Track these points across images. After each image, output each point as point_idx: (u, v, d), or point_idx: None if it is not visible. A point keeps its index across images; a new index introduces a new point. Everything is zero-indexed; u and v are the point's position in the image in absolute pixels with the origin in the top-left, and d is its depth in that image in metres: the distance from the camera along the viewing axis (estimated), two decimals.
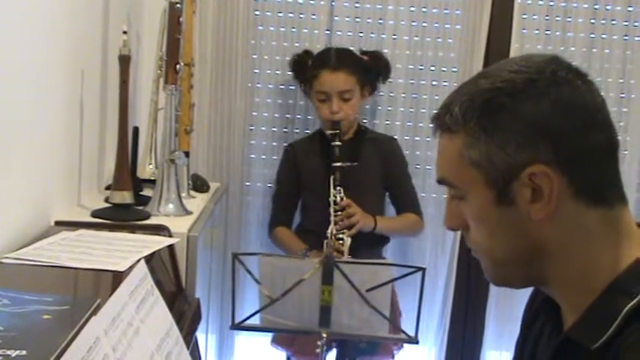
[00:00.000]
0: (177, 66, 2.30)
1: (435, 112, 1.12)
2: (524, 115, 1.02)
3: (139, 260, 1.46)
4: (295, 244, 2.80)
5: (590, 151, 1.03)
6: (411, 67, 3.07)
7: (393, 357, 2.75)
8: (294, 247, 2.78)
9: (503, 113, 1.03)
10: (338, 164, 2.69)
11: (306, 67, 2.84)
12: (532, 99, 1.02)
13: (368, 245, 2.73)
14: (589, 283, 1.04)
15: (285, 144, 3.03)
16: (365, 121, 3.06)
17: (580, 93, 1.04)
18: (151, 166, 2.62)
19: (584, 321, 1.04)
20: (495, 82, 1.05)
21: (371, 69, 2.84)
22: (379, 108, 3.10)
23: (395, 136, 3.00)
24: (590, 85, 1.06)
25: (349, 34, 3.05)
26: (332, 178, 2.68)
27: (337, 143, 2.71)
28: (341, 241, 2.60)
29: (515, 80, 1.04)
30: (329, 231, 2.63)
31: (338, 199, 2.65)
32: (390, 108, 3.10)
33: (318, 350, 2.22)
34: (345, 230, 2.63)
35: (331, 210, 2.65)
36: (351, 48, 2.91)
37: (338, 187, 2.66)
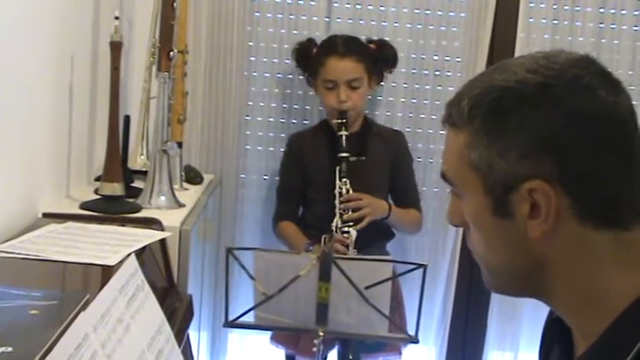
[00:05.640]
0: (171, 53, 2.28)
1: (448, 100, 1.05)
2: (531, 123, 0.94)
3: (129, 254, 1.48)
4: (300, 239, 2.75)
5: (602, 171, 0.94)
6: (414, 56, 3.01)
7: (400, 354, 2.70)
8: (298, 242, 2.73)
9: (509, 118, 0.96)
10: (344, 155, 2.62)
11: (310, 56, 2.78)
12: (543, 107, 0.94)
13: (373, 239, 2.67)
14: (600, 310, 0.96)
15: (284, 134, 3.00)
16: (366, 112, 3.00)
17: (601, 104, 0.95)
18: (142, 157, 2.60)
19: (594, 353, 0.96)
20: (509, 80, 0.97)
21: (378, 58, 2.78)
22: (379, 98, 3.04)
23: (399, 130, 2.94)
24: (618, 95, 0.97)
25: (349, 21, 3.00)
26: (338, 169, 2.61)
27: (344, 133, 2.64)
28: (346, 235, 2.54)
29: (529, 83, 0.96)
30: (334, 224, 2.57)
31: (344, 191, 2.59)
32: (391, 98, 3.05)
33: (314, 349, 2.18)
34: (350, 223, 2.56)
35: (337, 202, 2.58)
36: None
37: (344, 179, 2.60)
